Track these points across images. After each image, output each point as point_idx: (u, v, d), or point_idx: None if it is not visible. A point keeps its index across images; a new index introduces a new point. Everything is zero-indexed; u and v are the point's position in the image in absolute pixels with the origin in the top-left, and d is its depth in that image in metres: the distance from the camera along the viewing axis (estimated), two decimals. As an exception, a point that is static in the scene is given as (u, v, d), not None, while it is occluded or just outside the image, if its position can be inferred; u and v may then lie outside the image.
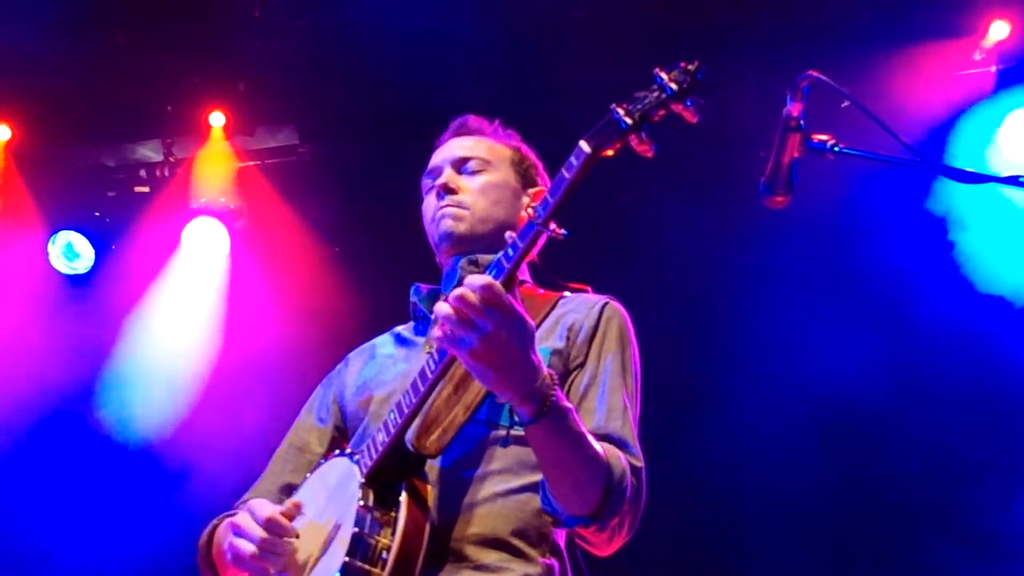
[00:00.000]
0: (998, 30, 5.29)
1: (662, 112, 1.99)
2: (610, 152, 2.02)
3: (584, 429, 2.20)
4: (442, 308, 2.02)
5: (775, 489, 5.64)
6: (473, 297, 2.00)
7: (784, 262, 5.58)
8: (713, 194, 5.53)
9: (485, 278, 2.02)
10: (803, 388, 5.59)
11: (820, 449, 5.60)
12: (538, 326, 2.47)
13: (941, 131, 5.33)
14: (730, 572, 5.87)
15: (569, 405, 2.18)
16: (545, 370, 2.12)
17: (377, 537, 2.17)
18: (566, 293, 2.62)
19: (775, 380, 5.64)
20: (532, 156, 2.84)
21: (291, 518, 2.27)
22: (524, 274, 2.68)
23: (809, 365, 5.59)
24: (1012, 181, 2.33)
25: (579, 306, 2.55)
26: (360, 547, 2.15)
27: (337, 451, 2.47)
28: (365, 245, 6.17)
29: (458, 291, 2.00)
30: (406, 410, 2.22)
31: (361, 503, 2.19)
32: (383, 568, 2.15)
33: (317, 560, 2.25)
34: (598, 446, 2.22)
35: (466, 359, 2.05)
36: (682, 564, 5.72)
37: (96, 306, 6.22)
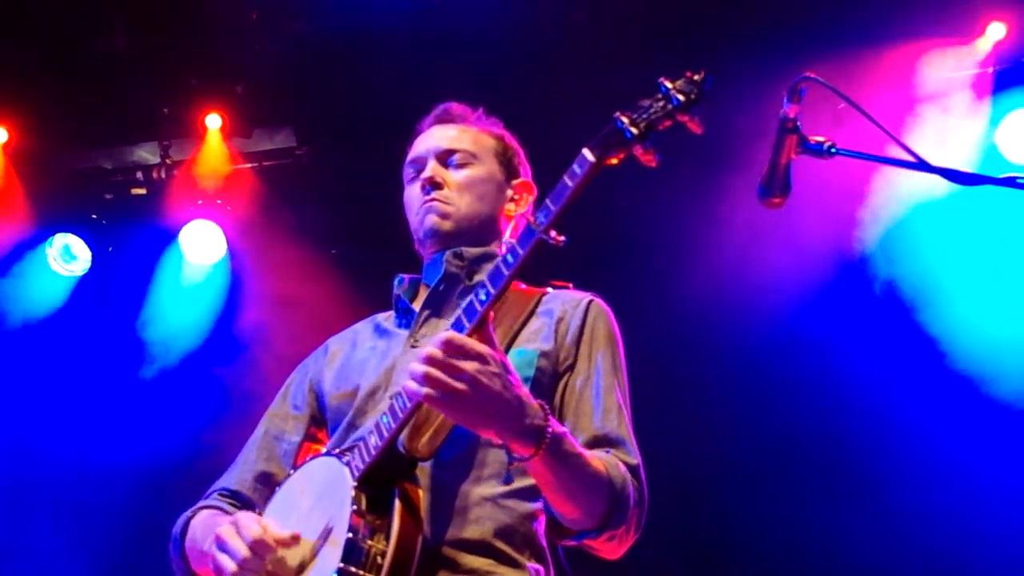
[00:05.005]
0: (995, 31, 5.29)
1: (668, 123, 1.98)
2: (614, 161, 2.01)
3: (580, 449, 2.20)
4: (416, 369, 2.03)
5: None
6: (441, 354, 2.02)
7: (782, 259, 5.57)
8: (709, 194, 5.52)
9: (446, 334, 2.04)
10: (804, 390, 5.59)
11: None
12: (524, 323, 2.48)
13: (938, 132, 5.32)
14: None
15: (563, 429, 2.17)
16: (535, 402, 2.11)
17: (371, 542, 2.16)
18: (548, 289, 2.61)
19: (774, 381, 5.63)
20: (515, 145, 2.82)
21: (284, 542, 2.23)
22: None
23: (811, 366, 5.59)
24: (1010, 182, 2.33)
25: (564, 304, 2.54)
26: (354, 553, 2.14)
27: (324, 451, 2.44)
28: (362, 248, 6.15)
29: (427, 351, 2.03)
30: (400, 414, 2.20)
31: (354, 508, 2.17)
32: (378, 573, 2.14)
33: (308, 565, 2.23)
34: (596, 460, 2.23)
35: (452, 414, 2.07)
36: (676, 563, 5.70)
37: (93, 308, 6.21)
